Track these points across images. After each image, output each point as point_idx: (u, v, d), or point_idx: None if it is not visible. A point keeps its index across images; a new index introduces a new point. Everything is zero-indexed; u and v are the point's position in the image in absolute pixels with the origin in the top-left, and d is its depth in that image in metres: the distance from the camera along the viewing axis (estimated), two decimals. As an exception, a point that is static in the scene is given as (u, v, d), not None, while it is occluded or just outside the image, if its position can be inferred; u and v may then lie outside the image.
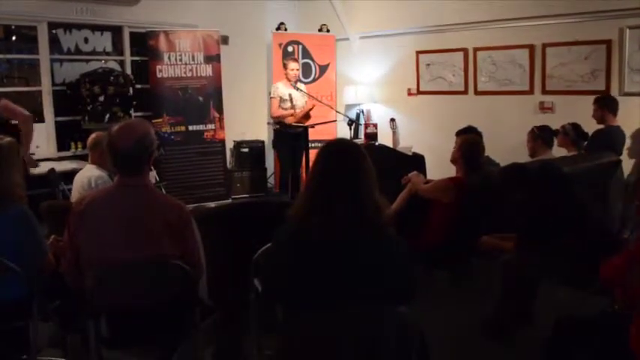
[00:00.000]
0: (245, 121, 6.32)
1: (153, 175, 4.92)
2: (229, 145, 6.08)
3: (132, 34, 5.39)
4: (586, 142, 3.86)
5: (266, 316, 2.00)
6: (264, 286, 1.83)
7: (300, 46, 6.21)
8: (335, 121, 5.58)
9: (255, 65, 6.39)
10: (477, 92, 5.34)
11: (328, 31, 6.34)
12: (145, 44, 5.35)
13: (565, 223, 2.59)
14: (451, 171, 3.16)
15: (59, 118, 4.99)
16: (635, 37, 4.32)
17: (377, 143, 5.28)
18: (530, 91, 4.93)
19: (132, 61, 5.43)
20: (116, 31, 5.33)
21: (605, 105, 4.04)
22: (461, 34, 5.35)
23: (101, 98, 4.84)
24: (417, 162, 4.66)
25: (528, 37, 4.89)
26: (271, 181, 6.41)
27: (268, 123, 5.86)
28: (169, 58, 5.38)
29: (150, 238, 1.86)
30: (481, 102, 5.28)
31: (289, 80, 5.08)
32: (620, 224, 3.53)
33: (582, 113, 4.16)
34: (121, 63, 5.37)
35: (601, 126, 4.04)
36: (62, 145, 5.02)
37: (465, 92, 5.41)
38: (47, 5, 4.80)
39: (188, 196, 5.36)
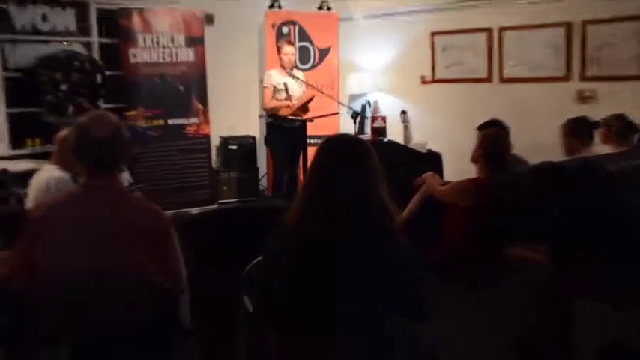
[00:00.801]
0: (233, 113, 6.32)
1: (126, 177, 4.92)
2: (215, 141, 6.08)
3: (100, 11, 5.36)
4: (637, 137, 3.82)
5: (258, 340, 2.00)
6: (255, 306, 1.83)
7: (297, 27, 6.23)
8: (337, 113, 5.59)
9: (245, 49, 6.40)
10: (502, 79, 5.35)
11: (329, 9, 6.35)
12: (115, 24, 5.34)
13: (609, 232, 2.59)
14: (472, 171, 3.16)
15: (12, 110, 4.92)
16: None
17: (386, 139, 5.28)
18: (567, 78, 4.93)
19: (100, 44, 5.41)
20: (81, 7, 5.28)
21: None
22: (484, 11, 5.36)
23: (63, 87, 4.80)
24: (432, 161, 4.67)
25: (565, 13, 4.87)
26: (264, 183, 6.41)
27: (260, 116, 5.87)
28: (145, 40, 5.39)
29: (122, 249, 1.86)
30: (508, 91, 5.28)
31: (284, 67, 5.09)
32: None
33: (632, 102, 4.13)
34: (87, 45, 5.34)
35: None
36: (17, 141, 4.95)
37: (489, 79, 5.42)
38: (-5, -26, 4.74)
39: (167, 201, 5.35)
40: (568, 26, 4.86)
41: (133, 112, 5.36)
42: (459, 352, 1.80)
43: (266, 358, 1.72)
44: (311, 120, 4.87)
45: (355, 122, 5.15)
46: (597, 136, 3.79)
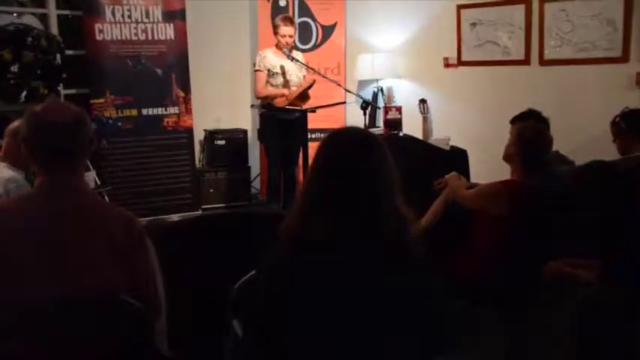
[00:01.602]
0: (221, 103, 6.34)
1: (92, 177, 4.95)
2: (199, 135, 6.10)
3: (58, -25, 5.40)
4: None
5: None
6: (246, 331, 1.84)
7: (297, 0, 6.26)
8: (344, 103, 5.60)
9: (235, 25, 6.41)
10: (543, 62, 5.35)
11: (335, -23, 6.38)
12: (78, -7, 5.36)
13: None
14: (504, 172, 3.17)
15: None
16: None
17: (401, 133, 5.30)
18: (625, 59, 4.91)
19: (59, 17, 5.43)
20: (35, -28, 5.35)
21: None
22: (521, -20, 5.37)
23: (14, 68, 4.77)
24: (456, 159, 4.68)
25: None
26: (257, 185, 6.43)
27: (252, 106, 5.89)
28: (113, 13, 5.41)
29: (88, 266, 1.87)
30: (549, 75, 5.29)
31: (280, 48, 5.11)
32: None
33: None
34: (43, 18, 5.35)
35: None
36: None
37: (527, 62, 5.42)
38: None
39: (141, 206, 5.38)
40: (627, -5, 4.83)
41: (99, 100, 5.38)
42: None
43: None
44: (313, 110, 4.87)
45: (365, 113, 5.16)
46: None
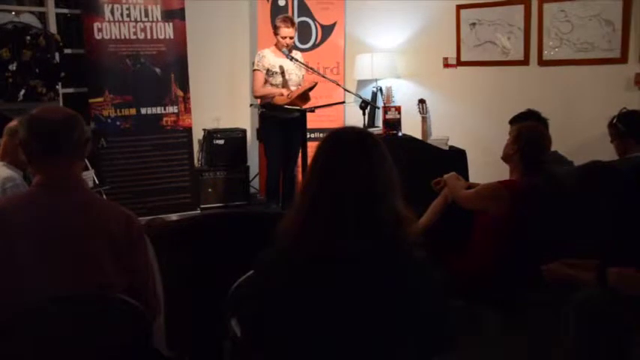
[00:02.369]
0: (220, 102, 6.35)
1: (90, 176, 4.95)
2: (198, 135, 6.10)
3: (57, -26, 5.40)
4: None
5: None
6: (244, 330, 1.84)
7: (296, -1, 6.25)
8: (343, 102, 5.60)
9: (234, 24, 6.42)
10: (542, 62, 5.35)
11: (335, -23, 6.38)
12: (77, -9, 5.36)
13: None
14: (503, 172, 3.17)
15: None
16: None
17: (400, 133, 5.30)
18: (623, 59, 4.90)
19: (58, 15, 5.44)
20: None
21: None
22: (520, -20, 5.37)
23: (12, 67, 4.80)
24: (455, 159, 4.68)
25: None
26: (256, 184, 6.43)
27: (252, 105, 5.89)
28: (112, 12, 5.41)
29: (85, 262, 1.87)
30: (548, 76, 5.29)
31: (279, 48, 5.11)
32: None
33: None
34: (42, 17, 5.37)
35: None
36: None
37: (526, 62, 5.42)
38: None
39: (140, 205, 5.38)
40: (626, -5, 4.83)
41: (98, 99, 5.38)
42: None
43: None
44: (312, 110, 4.87)
45: (364, 113, 5.16)
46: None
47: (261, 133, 5.46)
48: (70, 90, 5.44)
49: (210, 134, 6.10)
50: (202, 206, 5.95)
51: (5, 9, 5.12)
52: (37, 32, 4.98)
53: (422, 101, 5.67)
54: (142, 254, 2.00)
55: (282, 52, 5.08)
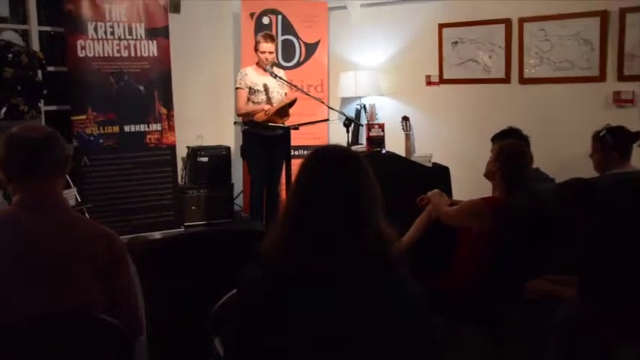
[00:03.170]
0: (204, 119, 6.34)
1: (72, 194, 4.91)
2: (181, 152, 6.09)
3: (40, -8, 5.37)
4: None
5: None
6: (227, 349, 1.82)
7: (280, 17, 6.28)
8: (327, 120, 5.62)
9: (218, 43, 6.44)
10: (522, 80, 5.41)
11: (318, -4, 6.43)
12: (59, 9, 5.34)
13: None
14: (486, 189, 3.19)
15: None
16: None
17: (384, 151, 5.32)
18: (602, 78, 4.97)
19: (41, 33, 5.42)
20: (16, -13, 5.31)
21: None
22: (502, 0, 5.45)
23: (-6, 84, 4.78)
24: (438, 176, 4.70)
25: (598, 1, 4.91)
26: (240, 202, 6.41)
27: (235, 123, 5.89)
28: (96, 30, 5.40)
29: (66, 281, 1.86)
30: (529, 94, 5.35)
31: (261, 66, 5.12)
32: None
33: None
34: (25, 34, 5.35)
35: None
36: None
37: (507, 80, 5.48)
38: None
39: (123, 223, 5.34)
40: (603, 16, 4.90)
41: (81, 117, 5.35)
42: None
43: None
44: (296, 127, 4.87)
45: (348, 130, 5.17)
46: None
47: (244, 151, 5.46)
48: (53, 107, 5.41)
49: (194, 152, 6.08)
50: (186, 224, 5.92)
51: (-13, 27, 5.10)
52: (20, 50, 4.94)
53: (405, 118, 5.71)
54: (123, 273, 1.98)
55: (266, 70, 5.09)
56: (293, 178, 1.69)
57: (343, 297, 1.53)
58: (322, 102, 5.36)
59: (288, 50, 6.28)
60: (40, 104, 5.06)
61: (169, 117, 5.75)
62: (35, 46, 5.30)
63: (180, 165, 6.06)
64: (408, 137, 5.61)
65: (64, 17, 5.31)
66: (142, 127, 5.64)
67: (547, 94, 5.23)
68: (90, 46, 5.36)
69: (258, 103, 5.10)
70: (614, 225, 2.78)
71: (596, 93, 4.97)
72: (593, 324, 2.55)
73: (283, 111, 4.93)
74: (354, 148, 5.05)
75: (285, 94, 5.21)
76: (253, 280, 1.61)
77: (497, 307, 2.87)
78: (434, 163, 5.00)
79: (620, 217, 2.78)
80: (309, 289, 1.53)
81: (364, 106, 6.25)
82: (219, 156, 6.14)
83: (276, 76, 5.11)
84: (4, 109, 4.73)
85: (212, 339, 2.10)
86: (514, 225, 2.90)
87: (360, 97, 6.27)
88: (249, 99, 5.13)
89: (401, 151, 5.45)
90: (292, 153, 4.96)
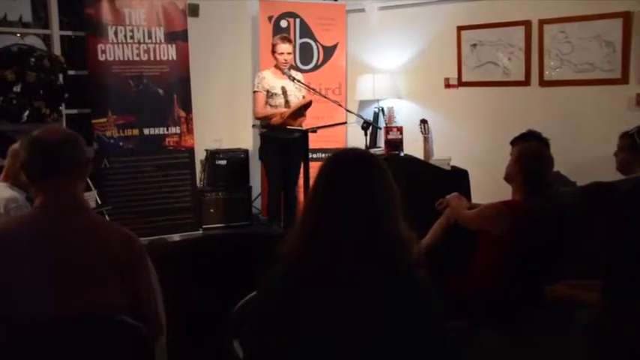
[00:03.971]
0: (222, 123, 6.38)
1: (93, 197, 4.95)
2: (200, 155, 6.12)
3: (62, -2, 5.42)
4: None
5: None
6: (247, 352, 1.83)
7: (298, 20, 6.30)
8: (345, 123, 5.62)
9: (237, 46, 6.47)
10: (543, 83, 5.37)
11: (336, -1, 6.44)
12: (80, 13, 5.40)
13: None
14: (505, 192, 3.17)
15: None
16: None
17: (402, 154, 5.31)
18: (624, 80, 4.92)
19: (62, 37, 5.48)
20: (38, -8, 5.35)
21: None
22: (521, 1, 5.41)
23: (16, 88, 4.82)
24: (457, 179, 4.67)
25: (621, 2, 4.86)
26: (258, 204, 6.43)
27: (254, 126, 5.91)
28: (116, 34, 5.45)
29: (87, 283, 1.87)
30: (549, 96, 5.31)
31: (280, 68, 5.13)
32: None
33: None
34: (47, 39, 5.41)
35: None
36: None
37: (527, 83, 5.45)
38: None
39: (142, 226, 5.37)
40: (626, 17, 4.84)
41: (101, 120, 5.40)
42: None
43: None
44: (314, 130, 4.86)
45: (366, 133, 5.18)
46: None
47: (261, 154, 5.48)
48: (74, 111, 5.47)
49: (212, 155, 6.12)
50: (204, 226, 5.95)
51: (10, 31, 5.16)
52: (42, 54, 5.01)
53: (424, 121, 5.69)
54: (144, 275, 1.99)
55: (284, 73, 5.10)
56: (311, 181, 1.69)
57: (361, 300, 1.53)
58: (340, 105, 5.36)
59: (306, 53, 6.29)
60: (61, 108, 5.13)
61: (188, 120, 5.79)
62: (57, 50, 5.36)
63: (198, 168, 6.09)
64: (426, 140, 5.59)
65: (84, 22, 5.38)
66: (161, 130, 5.68)
67: (568, 96, 5.19)
68: (110, 50, 5.41)
69: (276, 106, 5.11)
70: (636, 229, 2.75)
71: (619, 95, 4.91)
72: (618, 329, 2.52)
73: (299, 113, 4.95)
74: (372, 151, 5.04)
75: (303, 97, 5.21)
76: (272, 283, 1.61)
77: (516, 311, 2.84)
78: (452, 167, 4.98)
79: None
80: (328, 292, 1.53)
81: (382, 109, 6.24)
82: (238, 159, 6.18)
83: (294, 79, 5.11)
84: (26, 113, 4.80)
85: (231, 341, 2.11)
86: (534, 229, 2.88)
87: (378, 100, 6.25)
88: (266, 102, 5.14)
89: (419, 155, 5.43)
90: (310, 156, 4.96)
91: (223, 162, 6.12)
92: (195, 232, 5.78)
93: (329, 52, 6.38)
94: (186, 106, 5.78)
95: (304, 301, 1.55)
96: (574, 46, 5.16)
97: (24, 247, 1.86)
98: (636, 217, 2.81)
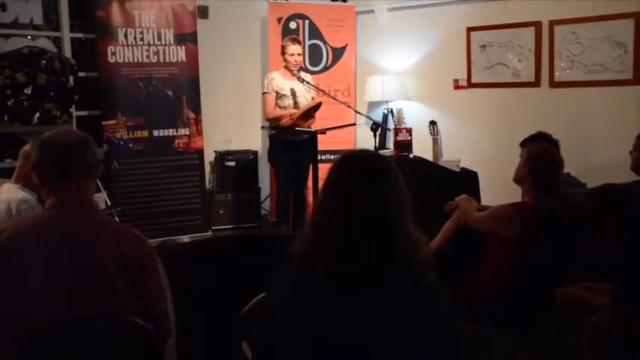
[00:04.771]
0: (231, 124, 6.39)
1: (102, 198, 4.97)
2: (209, 157, 6.13)
3: (72, 0, 5.44)
4: None
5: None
6: (256, 353, 1.83)
7: (307, 22, 6.30)
8: (354, 124, 5.62)
9: (246, 47, 6.48)
10: (553, 84, 5.36)
11: (345, 0, 6.43)
12: (91, 16, 5.43)
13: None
14: (515, 194, 3.16)
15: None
16: None
17: (411, 155, 5.30)
18: (635, 81, 4.89)
19: (73, 39, 5.52)
20: (50, -5, 5.37)
21: None
22: (531, 2, 5.39)
23: (27, 90, 4.86)
24: (466, 181, 4.67)
25: (632, 2, 4.84)
26: (267, 206, 6.43)
27: (263, 127, 5.92)
28: (126, 36, 5.47)
29: (98, 284, 1.88)
30: (559, 97, 5.29)
31: (289, 69, 5.14)
32: None
33: None
34: (57, 41, 5.44)
35: None
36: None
37: (537, 84, 5.43)
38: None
39: (151, 227, 5.39)
40: (638, 17, 4.82)
41: (111, 122, 5.42)
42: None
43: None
44: (323, 132, 4.86)
45: (375, 135, 5.17)
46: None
47: (270, 155, 5.48)
48: (84, 113, 5.49)
49: (221, 156, 6.13)
50: (213, 228, 5.96)
51: (22, 34, 5.19)
52: (52, 56, 5.05)
53: (433, 123, 5.68)
54: (153, 276, 2.00)
55: (293, 75, 5.11)
56: (320, 182, 1.69)
57: (371, 302, 1.53)
58: (349, 106, 5.36)
59: (315, 55, 6.30)
60: (71, 109, 5.16)
61: (197, 121, 5.80)
62: (67, 52, 5.39)
63: (207, 169, 6.10)
64: (435, 142, 5.58)
65: (95, 24, 5.39)
66: (171, 132, 5.69)
67: (578, 97, 5.16)
68: (120, 52, 5.44)
69: (285, 107, 5.12)
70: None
71: (630, 96, 4.89)
72: (630, 332, 2.51)
73: (308, 114, 4.96)
74: (381, 152, 5.04)
75: (312, 98, 5.22)
76: (281, 285, 1.61)
77: (527, 314, 2.83)
78: (462, 168, 4.97)
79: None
80: (337, 294, 1.53)
81: (391, 111, 6.23)
82: (247, 160, 6.19)
83: (303, 81, 5.11)
84: (37, 115, 4.83)
85: (240, 343, 2.11)
86: (544, 230, 2.87)
87: (387, 102, 6.25)
88: (276, 104, 5.14)
89: (428, 156, 5.42)
90: (319, 157, 4.96)
91: (232, 163, 6.13)
92: (205, 234, 5.79)
93: (338, 53, 6.39)
94: (196, 107, 5.79)
95: (314, 302, 1.55)
96: (585, 47, 5.14)
97: (35, 248, 1.87)
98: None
